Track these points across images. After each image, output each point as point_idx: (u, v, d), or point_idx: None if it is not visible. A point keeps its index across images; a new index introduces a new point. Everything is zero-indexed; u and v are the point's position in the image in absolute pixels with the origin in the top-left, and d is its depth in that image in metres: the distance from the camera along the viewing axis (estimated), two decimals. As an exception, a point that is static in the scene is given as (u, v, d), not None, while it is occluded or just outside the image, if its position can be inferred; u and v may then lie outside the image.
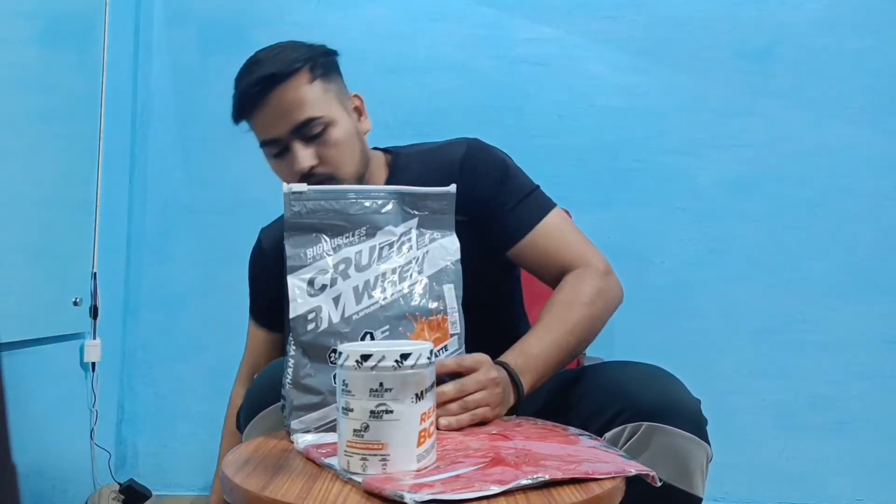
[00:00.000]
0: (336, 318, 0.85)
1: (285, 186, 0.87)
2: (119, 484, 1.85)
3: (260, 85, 1.04)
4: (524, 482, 0.66)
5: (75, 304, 1.74)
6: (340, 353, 0.72)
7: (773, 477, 1.89)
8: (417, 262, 0.92)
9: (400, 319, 0.88)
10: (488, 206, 1.10)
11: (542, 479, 0.67)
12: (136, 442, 1.95)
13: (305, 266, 0.86)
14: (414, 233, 0.93)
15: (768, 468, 1.89)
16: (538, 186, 1.13)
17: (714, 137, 1.94)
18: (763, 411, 1.90)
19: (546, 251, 1.08)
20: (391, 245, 0.91)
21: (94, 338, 1.80)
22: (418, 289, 0.91)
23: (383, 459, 0.69)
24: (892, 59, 1.93)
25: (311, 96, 1.06)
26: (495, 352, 0.97)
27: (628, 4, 1.97)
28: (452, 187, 0.97)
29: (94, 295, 1.80)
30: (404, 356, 0.70)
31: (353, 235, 0.89)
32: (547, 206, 1.11)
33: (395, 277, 0.90)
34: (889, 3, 1.94)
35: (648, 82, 1.96)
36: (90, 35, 1.80)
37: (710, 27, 1.96)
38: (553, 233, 1.09)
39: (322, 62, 1.09)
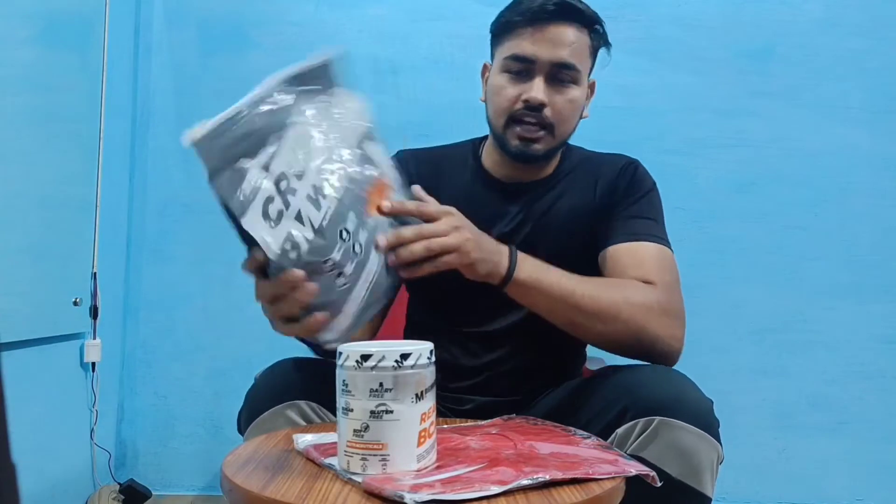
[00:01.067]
0: (310, 235, 0.80)
1: (186, 139, 0.78)
2: (119, 484, 1.86)
3: (559, 7, 1.06)
4: (524, 482, 0.66)
5: (75, 304, 1.74)
6: (341, 353, 0.72)
7: (773, 477, 1.89)
8: (336, 138, 0.87)
9: (357, 202, 0.85)
10: (615, 207, 1.13)
11: (542, 480, 0.67)
12: (136, 442, 1.95)
13: (251, 203, 0.78)
14: (316, 109, 0.87)
15: (768, 468, 1.89)
16: (663, 224, 1.13)
17: (714, 137, 1.94)
18: (763, 411, 1.90)
19: (629, 267, 1.05)
20: (308, 136, 0.85)
21: (94, 338, 1.80)
22: (353, 163, 0.86)
23: (383, 459, 0.69)
24: (891, 59, 1.93)
25: (582, 49, 1.10)
26: (553, 352, 1.03)
27: (628, 4, 1.97)
28: (330, 54, 0.89)
29: (94, 295, 1.80)
30: (404, 356, 0.70)
31: (271, 146, 0.82)
32: (658, 237, 1.09)
33: (332, 166, 0.85)
34: (889, 3, 1.94)
35: (648, 82, 1.96)
36: (90, 35, 1.80)
37: (710, 27, 1.96)
38: (646, 257, 1.06)
39: (603, 37, 1.14)
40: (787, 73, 1.94)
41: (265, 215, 0.78)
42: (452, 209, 0.91)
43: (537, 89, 1.06)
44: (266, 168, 0.80)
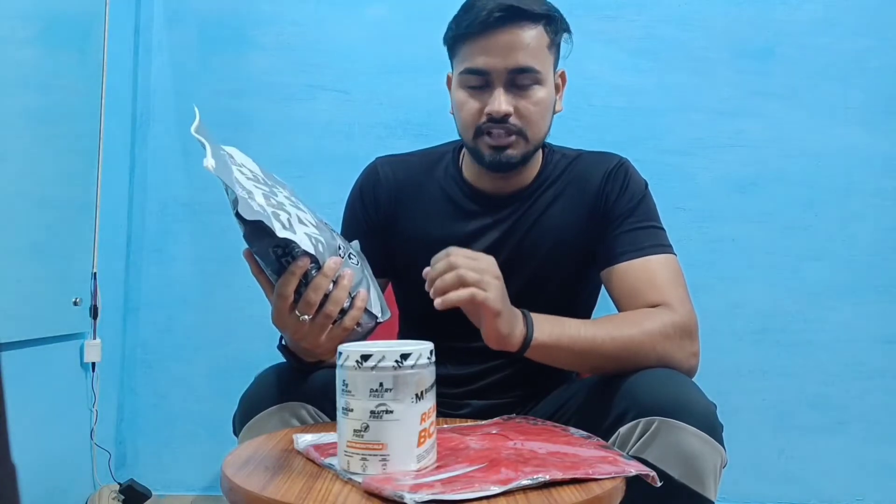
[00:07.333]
0: (316, 231, 0.86)
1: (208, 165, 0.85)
2: (119, 484, 1.85)
3: (505, 12, 1.01)
4: (524, 482, 0.66)
5: (75, 304, 1.74)
6: (341, 353, 0.72)
7: (773, 477, 1.89)
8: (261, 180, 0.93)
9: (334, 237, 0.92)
10: (610, 221, 1.09)
11: (542, 480, 0.67)
12: (136, 442, 1.95)
13: (271, 219, 0.81)
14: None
15: (768, 468, 1.89)
16: (663, 228, 1.10)
17: (714, 137, 1.94)
18: (763, 411, 1.90)
19: (636, 285, 1.04)
20: (248, 176, 0.92)
21: (94, 338, 1.80)
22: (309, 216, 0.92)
23: (383, 459, 0.69)
24: (892, 59, 1.93)
25: (539, 48, 1.04)
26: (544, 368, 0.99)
27: (628, 4, 1.97)
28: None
29: (94, 295, 1.80)
30: (404, 356, 0.70)
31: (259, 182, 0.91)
32: (661, 246, 1.07)
33: (281, 190, 0.92)
34: (889, 3, 1.94)
35: (647, 82, 1.95)
36: (90, 35, 1.80)
37: (710, 27, 1.95)
38: (654, 272, 1.04)
39: (560, 26, 1.08)
40: (787, 73, 1.94)
41: (284, 226, 0.82)
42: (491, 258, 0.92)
43: (498, 101, 1.03)
44: (251, 196, 0.84)
